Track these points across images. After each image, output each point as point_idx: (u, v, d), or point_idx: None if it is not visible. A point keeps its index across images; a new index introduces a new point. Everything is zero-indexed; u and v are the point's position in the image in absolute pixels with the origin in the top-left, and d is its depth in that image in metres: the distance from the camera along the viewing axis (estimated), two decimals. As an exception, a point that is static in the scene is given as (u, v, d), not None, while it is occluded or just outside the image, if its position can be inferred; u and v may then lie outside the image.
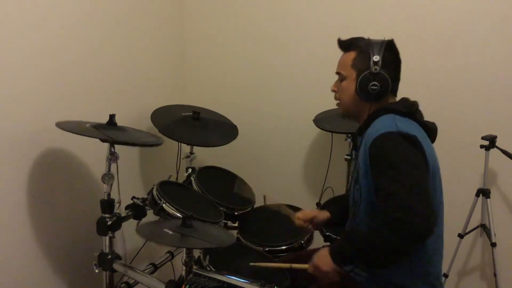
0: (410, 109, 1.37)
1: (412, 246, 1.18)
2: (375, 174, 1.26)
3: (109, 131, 1.58)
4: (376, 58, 1.36)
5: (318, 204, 2.23)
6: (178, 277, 1.53)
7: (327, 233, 1.87)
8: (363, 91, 1.38)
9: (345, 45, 1.45)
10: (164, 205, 1.65)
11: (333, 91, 1.50)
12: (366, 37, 1.43)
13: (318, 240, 1.94)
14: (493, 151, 2.00)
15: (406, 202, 1.14)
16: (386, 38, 1.41)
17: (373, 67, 1.36)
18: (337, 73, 1.47)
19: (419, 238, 1.14)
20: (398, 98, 1.46)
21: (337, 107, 1.52)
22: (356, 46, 1.42)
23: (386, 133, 1.27)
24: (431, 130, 1.40)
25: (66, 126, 1.51)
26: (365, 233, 1.25)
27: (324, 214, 1.63)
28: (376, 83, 1.36)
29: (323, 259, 1.28)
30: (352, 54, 1.42)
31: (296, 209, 1.97)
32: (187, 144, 2.15)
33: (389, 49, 1.39)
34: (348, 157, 2.12)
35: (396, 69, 1.41)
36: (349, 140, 2.14)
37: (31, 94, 1.64)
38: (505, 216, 2.13)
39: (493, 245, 2.02)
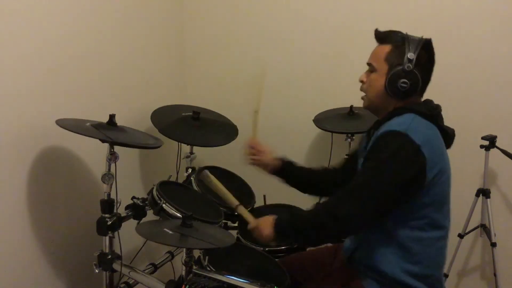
0: (432, 112, 1.36)
1: (330, 240, 1.54)
2: (364, 161, 1.34)
3: (109, 132, 1.58)
4: (411, 55, 1.33)
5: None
6: (178, 277, 1.53)
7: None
8: (392, 87, 1.36)
9: (382, 36, 1.41)
10: (164, 205, 1.65)
11: (361, 81, 1.46)
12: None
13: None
14: (493, 151, 2.00)
15: (334, 204, 1.32)
16: (425, 36, 1.37)
17: (406, 64, 1.33)
18: (368, 64, 1.44)
19: (331, 237, 1.42)
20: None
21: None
22: (392, 40, 1.38)
23: (394, 132, 1.28)
24: (448, 135, 1.40)
25: (66, 124, 1.51)
26: (305, 216, 1.39)
27: (275, 159, 1.73)
28: (406, 80, 1.34)
29: (266, 226, 1.42)
30: (387, 48, 1.38)
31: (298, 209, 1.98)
32: (187, 144, 2.15)
33: (426, 49, 1.36)
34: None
35: (429, 70, 1.39)
36: (349, 140, 2.14)
37: (31, 94, 1.63)
38: (505, 216, 2.14)
39: (493, 245, 2.02)
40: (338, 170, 1.72)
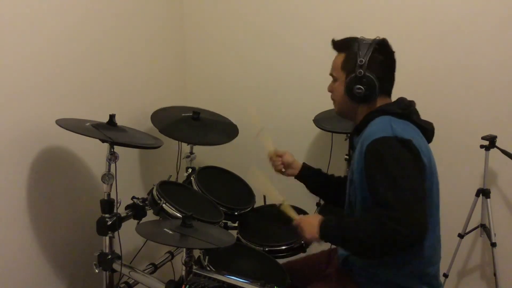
0: (405, 110, 1.36)
1: (398, 252, 1.27)
2: (371, 180, 1.27)
3: (109, 132, 1.58)
4: (361, 60, 1.35)
5: (318, 204, 2.23)
6: (178, 277, 1.53)
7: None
8: (350, 94, 1.39)
9: (337, 46, 1.46)
10: (164, 205, 1.65)
11: (329, 91, 1.51)
12: (360, 36, 1.42)
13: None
14: (493, 151, 2.00)
15: (401, 214, 1.16)
16: (380, 37, 1.39)
17: (358, 70, 1.36)
18: (330, 74, 1.49)
19: (407, 246, 1.19)
20: (397, 97, 1.45)
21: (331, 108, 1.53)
22: (345, 48, 1.42)
23: (382, 138, 1.27)
24: (427, 131, 1.40)
25: (66, 124, 1.51)
26: (357, 226, 1.26)
27: (297, 162, 1.72)
28: (360, 86, 1.36)
29: (309, 226, 1.35)
30: (342, 56, 1.43)
31: (296, 209, 1.97)
32: (187, 144, 2.15)
33: (379, 50, 1.37)
34: (348, 157, 2.12)
35: (386, 70, 1.40)
36: (349, 140, 2.14)
37: (31, 94, 1.64)
38: (505, 216, 2.13)
39: (493, 245, 2.02)
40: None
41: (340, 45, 1.45)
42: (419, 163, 1.26)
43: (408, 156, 1.24)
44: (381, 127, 1.31)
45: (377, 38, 1.40)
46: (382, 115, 1.36)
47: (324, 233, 1.31)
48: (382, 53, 1.38)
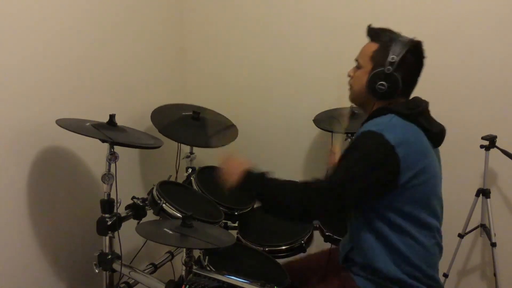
0: (411, 111, 1.35)
1: (305, 217, 1.44)
2: (338, 161, 1.34)
3: (109, 132, 1.58)
4: (393, 58, 1.32)
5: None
6: (178, 277, 1.53)
7: (327, 233, 1.87)
8: (371, 87, 1.37)
9: (372, 34, 1.41)
10: (164, 205, 1.65)
11: (349, 76, 1.47)
12: (397, 31, 1.38)
13: (318, 240, 1.94)
14: (493, 151, 2.00)
15: (326, 185, 1.28)
16: (416, 38, 1.36)
17: (387, 67, 1.33)
18: (356, 59, 1.44)
19: (314, 215, 1.39)
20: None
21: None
22: (381, 39, 1.38)
23: (369, 132, 1.29)
24: (435, 135, 1.39)
25: (66, 124, 1.51)
26: (281, 184, 1.35)
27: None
28: (384, 83, 1.34)
29: (234, 170, 1.41)
30: (374, 46, 1.38)
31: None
32: (187, 144, 2.15)
33: (413, 51, 1.35)
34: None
35: (413, 72, 1.38)
36: (349, 140, 2.13)
37: (31, 94, 1.64)
38: (505, 216, 2.13)
39: (493, 245, 2.02)
40: None
41: (376, 34, 1.39)
42: (382, 169, 1.26)
43: (378, 158, 1.25)
44: (378, 122, 1.33)
45: (414, 38, 1.37)
46: (388, 113, 1.35)
47: (246, 182, 1.37)
48: (414, 55, 1.36)
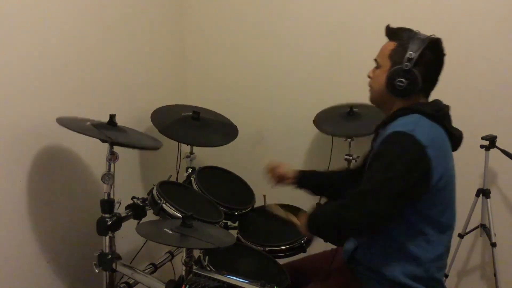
0: (437, 113, 1.34)
1: (351, 236, 1.45)
2: (370, 165, 1.31)
3: (109, 132, 1.58)
4: (411, 54, 1.31)
5: (318, 205, 2.23)
6: (178, 277, 1.53)
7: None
8: (390, 84, 1.36)
9: (390, 33, 1.41)
10: (164, 205, 1.65)
11: (368, 77, 1.47)
12: (415, 29, 1.38)
13: (318, 240, 1.93)
14: (493, 151, 2.00)
15: (353, 202, 1.25)
16: (435, 35, 1.36)
17: (405, 63, 1.32)
18: (375, 59, 1.44)
19: (355, 232, 1.37)
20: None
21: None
22: (398, 37, 1.37)
23: (400, 132, 1.27)
24: (456, 138, 1.38)
25: (67, 123, 1.51)
26: (322, 214, 1.39)
27: (291, 170, 1.71)
28: (403, 79, 1.33)
29: (301, 225, 1.44)
30: (392, 45, 1.38)
31: (296, 209, 1.97)
32: (187, 144, 2.15)
33: (432, 48, 1.34)
34: (349, 157, 2.12)
35: (433, 69, 1.38)
36: (349, 140, 2.14)
37: (32, 93, 1.64)
38: (505, 216, 2.13)
39: (493, 245, 2.02)
40: (355, 171, 1.68)
41: (393, 33, 1.39)
42: (423, 169, 1.24)
43: (412, 159, 1.23)
44: (406, 122, 1.31)
45: (433, 35, 1.36)
46: (414, 113, 1.34)
47: (309, 227, 1.39)
48: (433, 52, 1.35)
